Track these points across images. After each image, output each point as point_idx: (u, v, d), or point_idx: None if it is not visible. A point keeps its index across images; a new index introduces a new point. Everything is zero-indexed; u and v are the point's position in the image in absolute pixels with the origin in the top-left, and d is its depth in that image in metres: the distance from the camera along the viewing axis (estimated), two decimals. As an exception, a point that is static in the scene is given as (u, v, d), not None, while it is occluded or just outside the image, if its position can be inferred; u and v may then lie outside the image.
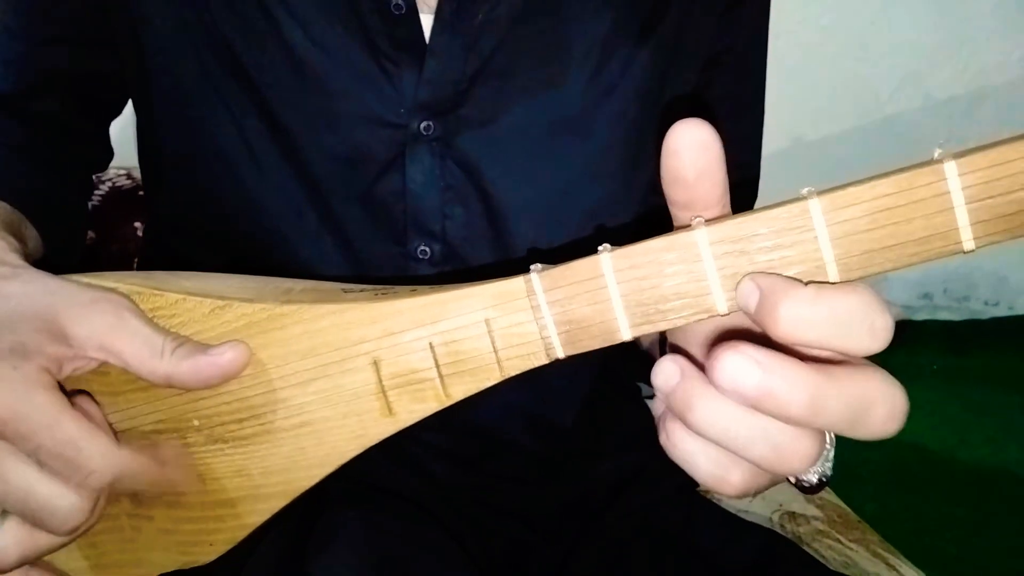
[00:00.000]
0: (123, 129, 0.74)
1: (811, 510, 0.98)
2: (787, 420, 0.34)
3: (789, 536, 0.92)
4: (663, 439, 0.38)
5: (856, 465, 1.83)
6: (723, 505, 0.91)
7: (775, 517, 0.95)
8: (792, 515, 0.96)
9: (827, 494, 1.02)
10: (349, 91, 0.62)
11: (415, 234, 0.65)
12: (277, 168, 0.63)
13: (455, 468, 0.70)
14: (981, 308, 2.37)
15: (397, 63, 0.61)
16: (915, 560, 0.92)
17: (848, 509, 1.00)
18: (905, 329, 2.23)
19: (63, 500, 0.43)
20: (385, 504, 0.65)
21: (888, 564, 0.90)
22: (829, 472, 0.41)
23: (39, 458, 0.43)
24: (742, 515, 0.90)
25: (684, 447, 0.37)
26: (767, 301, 0.34)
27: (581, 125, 0.65)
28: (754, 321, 0.35)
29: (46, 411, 0.42)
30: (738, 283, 0.36)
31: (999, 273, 2.32)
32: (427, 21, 0.61)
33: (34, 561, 0.47)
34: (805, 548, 0.89)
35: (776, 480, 0.39)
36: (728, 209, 0.38)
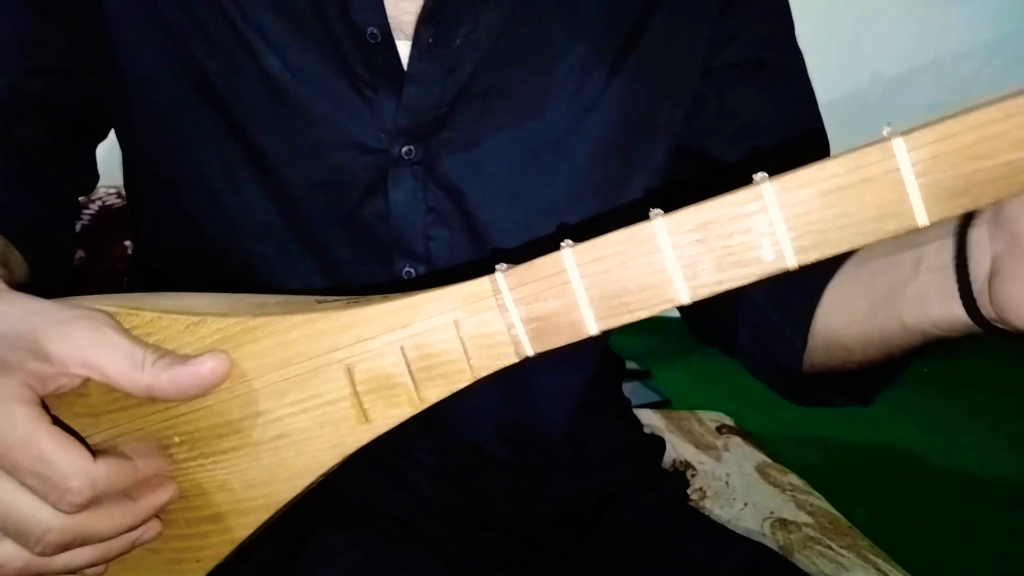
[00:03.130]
0: (112, 149, 0.74)
1: (802, 517, 0.98)
2: None
3: (780, 544, 0.92)
4: None
5: (846, 470, 1.83)
6: (712, 516, 0.92)
7: (766, 525, 0.95)
8: (783, 522, 0.96)
9: (817, 499, 1.02)
10: (328, 118, 0.62)
11: (399, 256, 0.65)
12: (258, 193, 0.64)
13: (444, 485, 0.70)
14: (973, 312, 2.37)
15: (375, 89, 0.62)
16: (906, 565, 0.92)
17: (839, 515, 1.00)
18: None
19: (41, 515, 0.43)
20: (373, 524, 0.65)
21: (879, 570, 0.90)
22: None
23: (16, 475, 0.43)
24: (733, 524, 0.90)
25: None
26: None
27: (562, 145, 0.65)
28: None
29: (23, 426, 0.43)
30: None
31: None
32: (404, 47, 0.62)
33: None
34: (796, 556, 0.89)
35: None
36: None
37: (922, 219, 0.34)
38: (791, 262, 0.36)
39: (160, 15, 0.62)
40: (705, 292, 0.38)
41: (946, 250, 0.49)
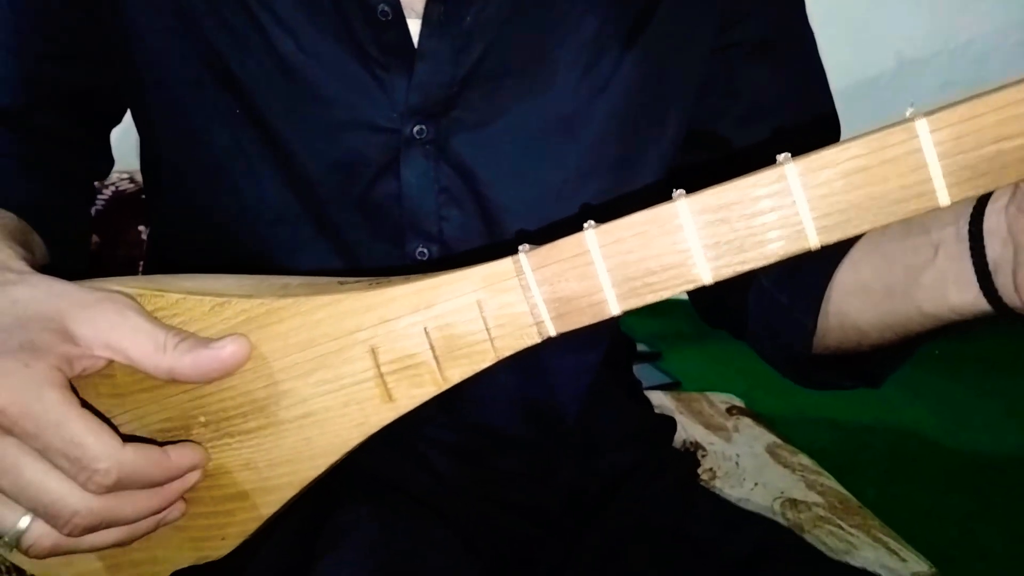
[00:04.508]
0: (125, 134, 0.75)
1: (812, 496, 0.98)
2: None
3: (790, 523, 0.92)
4: None
5: (857, 451, 1.83)
6: (723, 495, 0.92)
7: (776, 505, 0.96)
8: (793, 502, 0.97)
9: (828, 480, 1.03)
10: (341, 98, 0.63)
11: (412, 236, 0.66)
12: (272, 176, 0.65)
13: (460, 464, 0.71)
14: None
15: (387, 68, 0.62)
16: (916, 544, 0.92)
17: (849, 495, 1.00)
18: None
19: (71, 498, 0.44)
20: (392, 501, 0.66)
21: (889, 549, 0.90)
22: None
23: (47, 456, 0.44)
24: (743, 504, 0.91)
25: None
26: None
27: (573, 124, 0.66)
28: None
29: (55, 409, 0.43)
30: None
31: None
32: (415, 26, 0.62)
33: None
34: (807, 535, 0.90)
35: None
36: None
37: (944, 199, 0.34)
38: (814, 242, 0.36)
39: None
40: (728, 272, 0.38)
41: (963, 238, 0.49)
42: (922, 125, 0.34)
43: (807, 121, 0.72)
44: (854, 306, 0.62)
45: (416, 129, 0.63)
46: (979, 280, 0.49)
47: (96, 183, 0.79)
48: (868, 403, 1.98)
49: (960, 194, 0.34)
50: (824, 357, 0.67)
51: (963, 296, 0.50)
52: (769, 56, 0.71)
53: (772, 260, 0.37)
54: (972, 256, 0.49)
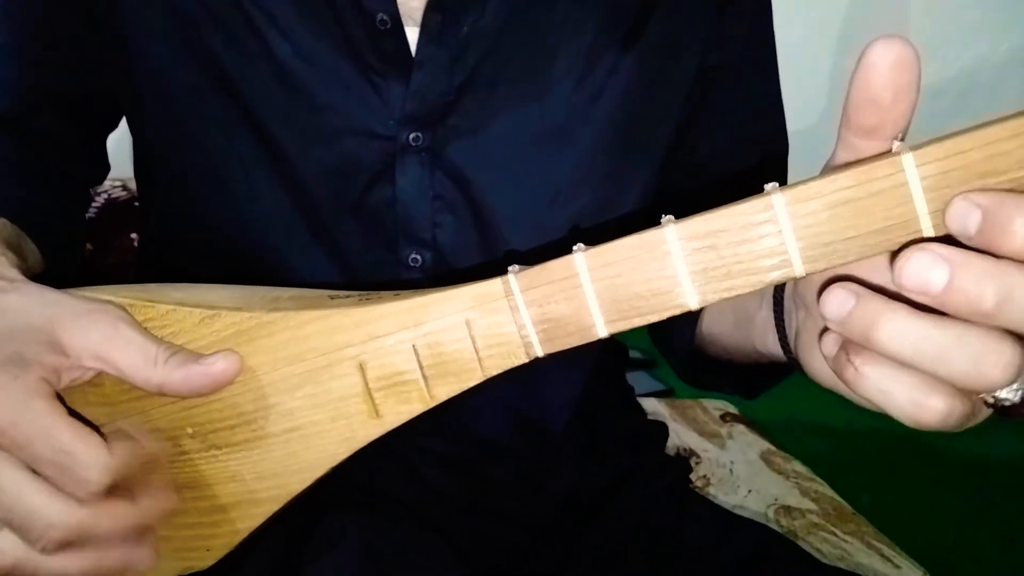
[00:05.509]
0: (119, 141, 0.75)
1: (806, 503, 0.99)
2: (981, 317, 0.33)
3: (784, 530, 0.92)
4: (850, 375, 0.36)
5: (851, 457, 1.83)
6: (718, 502, 0.92)
7: (770, 512, 0.96)
8: (787, 509, 0.97)
9: (821, 487, 1.03)
10: (337, 104, 0.63)
11: (406, 243, 0.66)
12: (268, 181, 0.65)
13: (450, 473, 0.71)
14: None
15: (384, 76, 0.62)
16: (911, 551, 0.93)
17: (843, 501, 1.01)
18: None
19: (48, 509, 0.44)
20: (382, 510, 0.66)
21: (883, 556, 0.91)
22: None
23: (36, 466, 0.44)
24: (737, 511, 0.91)
25: (876, 375, 0.35)
26: (997, 217, 0.32)
27: (568, 132, 0.66)
28: (973, 244, 0.33)
29: (43, 419, 0.43)
30: (948, 207, 0.33)
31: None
32: (413, 34, 0.62)
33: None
34: (800, 542, 0.90)
35: (976, 412, 0.37)
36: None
37: (928, 232, 0.34)
38: (799, 271, 0.36)
39: (171, 2, 0.62)
40: (714, 298, 0.38)
41: (771, 297, 0.52)
42: (908, 159, 0.34)
43: (763, 136, 0.76)
44: (716, 328, 0.68)
45: (412, 136, 0.63)
46: (779, 337, 0.51)
47: (90, 190, 0.79)
48: (862, 409, 1.94)
49: (944, 227, 0.34)
50: (709, 361, 0.72)
51: (776, 347, 0.52)
52: (740, 76, 0.73)
53: (759, 287, 0.37)
54: (775, 315, 0.51)
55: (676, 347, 0.75)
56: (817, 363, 0.44)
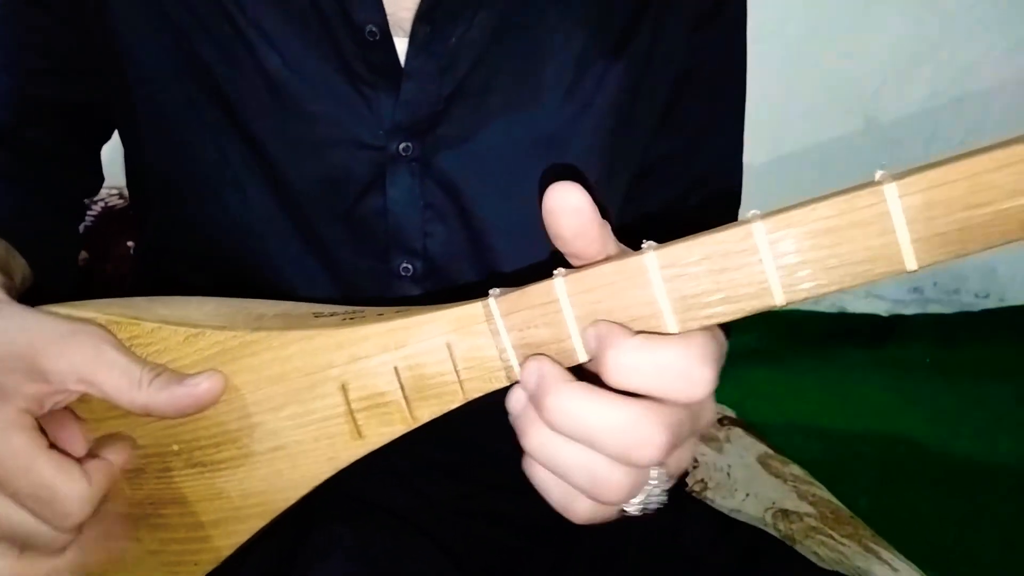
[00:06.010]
0: (115, 149, 0.75)
1: (803, 507, 0.98)
2: (602, 449, 0.38)
3: (782, 533, 0.92)
4: (525, 464, 0.42)
5: (849, 460, 1.83)
6: (715, 506, 0.93)
7: (768, 515, 0.96)
8: (785, 512, 0.97)
9: (819, 490, 1.03)
10: (328, 115, 0.63)
11: (397, 252, 0.66)
12: (259, 191, 0.65)
13: (442, 479, 0.71)
14: (972, 300, 2.34)
15: (374, 86, 0.62)
16: (909, 553, 0.92)
17: (840, 505, 1.00)
18: (896, 324, 2.22)
19: (43, 528, 0.45)
20: (374, 518, 0.66)
21: (880, 559, 0.90)
22: (655, 504, 0.43)
23: (17, 501, 0.44)
24: (735, 515, 0.91)
25: (534, 473, 0.42)
26: (600, 346, 0.38)
27: (557, 141, 0.66)
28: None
29: (23, 455, 0.44)
30: (584, 331, 0.39)
31: (989, 265, 2.29)
32: (401, 45, 0.62)
33: None
34: (798, 546, 0.90)
35: (617, 514, 0.43)
36: (608, 252, 0.41)
37: (911, 264, 0.34)
38: (779, 300, 0.36)
39: (163, 13, 0.62)
40: (693, 325, 0.38)
41: None
42: (891, 189, 0.33)
43: (711, 193, 0.76)
44: None
45: (402, 146, 0.63)
46: None
47: (84, 202, 0.79)
48: (859, 412, 1.97)
49: (927, 259, 0.34)
50: None
51: None
52: (708, 89, 0.74)
53: (739, 316, 0.37)
54: None
55: None
56: None
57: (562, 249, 0.41)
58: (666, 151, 0.73)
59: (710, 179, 0.76)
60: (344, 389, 0.45)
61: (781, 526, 0.94)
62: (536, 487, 0.42)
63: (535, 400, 0.39)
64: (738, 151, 0.78)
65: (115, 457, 0.48)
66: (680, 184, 0.75)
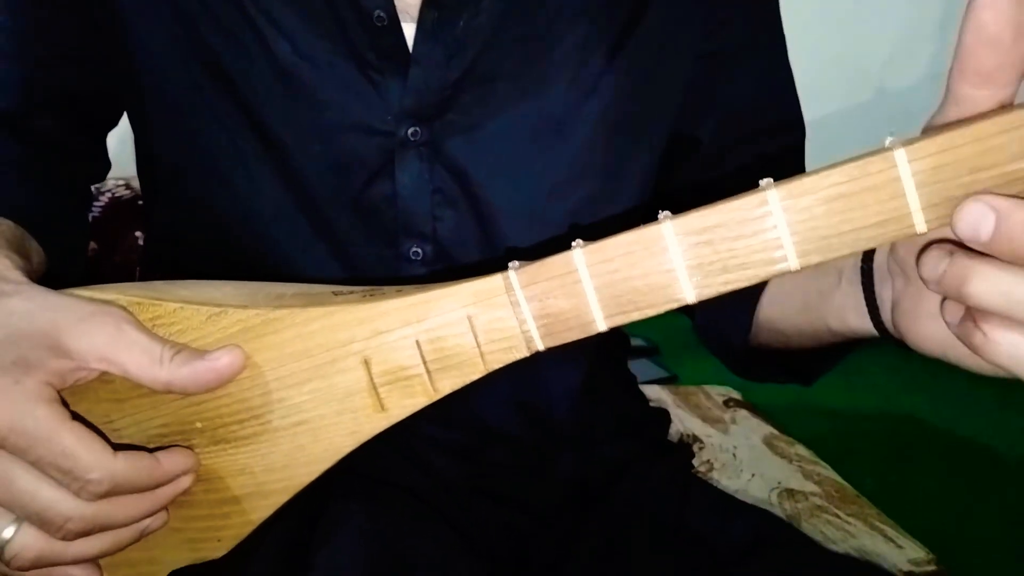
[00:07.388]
0: (121, 140, 0.76)
1: (809, 486, 0.99)
2: None
3: (788, 513, 0.93)
4: (978, 341, 0.36)
5: (855, 441, 1.84)
6: (720, 487, 0.93)
7: (773, 496, 0.97)
8: (790, 492, 0.98)
9: (825, 470, 1.04)
10: (336, 101, 0.63)
11: (407, 237, 0.66)
12: (269, 177, 0.65)
13: (453, 459, 0.72)
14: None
15: (382, 72, 0.63)
16: (914, 532, 0.93)
17: (846, 484, 1.01)
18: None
19: (64, 504, 0.45)
20: (387, 496, 0.67)
21: (886, 537, 0.92)
22: None
23: (41, 469, 0.45)
24: (740, 495, 0.92)
25: (1007, 339, 0.36)
26: (1011, 222, 0.33)
27: (564, 126, 0.67)
28: (983, 248, 0.35)
29: (46, 424, 0.45)
30: (960, 208, 0.34)
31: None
32: (409, 30, 0.63)
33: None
34: (804, 525, 0.91)
35: None
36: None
37: (921, 226, 0.35)
38: (794, 265, 0.37)
39: (171, 0, 0.63)
40: (710, 292, 0.39)
41: (857, 270, 0.52)
42: (901, 155, 0.34)
43: (777, 125, 0.75)
44: (776, 313, 0.67)
45: (410, 131, 0.64)
46: (869, 310, 0.51)
47: (93, 190, 0.79)
48: (865, 393, 1.98)
49: (937, 222, 0.35)
50: (761, 352, 0.71)
51: (861, 321, 0.53)
52: (745, 62, 0.73)
53: (754, 282, 0.38)
54: (863, 288, 0.52)
55: (731, 338, 0.73)
56: (923, 331, 0.45)
57: (987, 65, 0.34)
58: (725, 134, 0.73)
59: (774, 129, 0.75)
60: (366, 363, 0.46)
61: (787, 506, 0.95)
62: (1000, 360, 0.36)
63: (980, 235, 0.34)
64: (788, 88, 0.77)
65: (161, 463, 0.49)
66: (748, 148, 0.74)
